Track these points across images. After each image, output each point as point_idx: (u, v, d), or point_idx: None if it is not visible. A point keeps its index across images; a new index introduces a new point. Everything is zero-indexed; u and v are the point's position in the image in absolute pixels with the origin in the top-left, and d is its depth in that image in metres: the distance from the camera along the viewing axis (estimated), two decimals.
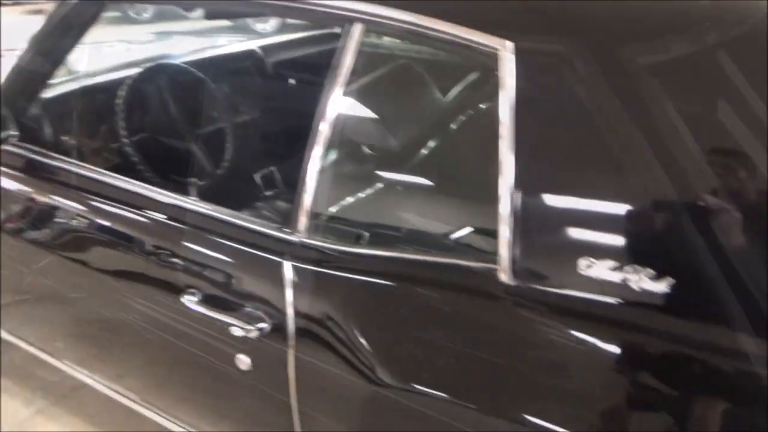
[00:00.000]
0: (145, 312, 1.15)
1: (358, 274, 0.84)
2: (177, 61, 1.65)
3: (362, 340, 0.82)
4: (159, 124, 1.57)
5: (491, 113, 0.74)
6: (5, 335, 1.59)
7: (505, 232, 0.72)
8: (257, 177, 1.43)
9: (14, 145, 1.26)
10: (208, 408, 1.22)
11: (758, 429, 0.61)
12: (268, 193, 1.38)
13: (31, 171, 1.25)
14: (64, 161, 1.23)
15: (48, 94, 1.44)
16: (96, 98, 1.58)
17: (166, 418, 1.34)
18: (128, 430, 1.67)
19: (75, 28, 1.21)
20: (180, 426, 1.34)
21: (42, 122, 1.36)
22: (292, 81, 1.71)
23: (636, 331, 0.66)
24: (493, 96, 0.74)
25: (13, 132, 1.26)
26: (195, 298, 0.95)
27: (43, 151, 1.26)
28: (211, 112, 1.65)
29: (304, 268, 0.87)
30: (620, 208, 0.69)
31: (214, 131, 1.64)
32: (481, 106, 0.88)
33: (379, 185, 1.03)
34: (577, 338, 0.69)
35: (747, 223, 0.63)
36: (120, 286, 1.16)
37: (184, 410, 1.29)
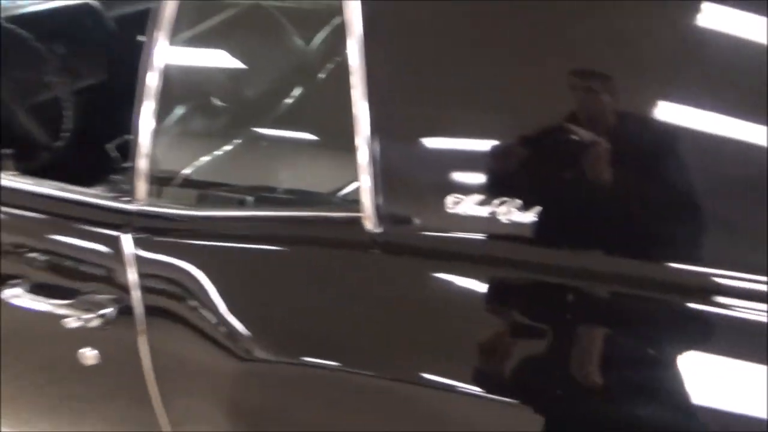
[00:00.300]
0: None
1: (210, 240, 0.74)
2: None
3: (225, 313, 0.72)
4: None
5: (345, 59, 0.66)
6: None
7: (365, 180, 0.65)
8: (103, 145, 1.26)
9: None
10: (67, 413, 1.07)
11: (636, 351, 0.60)
12: (116, 163, 1.22)
13: None
14: None
15: None
16: None
17: None
18: None
19: None
20: None
21: None
22: (133, 36, 1.52)
23: (508, 265, 0.63)
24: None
25: None
26: (19, 291, 0.80)
27: None
28: (40, 76, 1.43)
29: (147, 238, 0.76)
30: (482, 143, 0.64)
31: (46, 97, 1.42)
32: (337, 52, 0.79)
33: (232, 141, 0.92)
34: (449, 279, 0.65)
35: (608, 147, 0.60)
36: None
37: (44, 421, 1.14)
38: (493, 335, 0.65)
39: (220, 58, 0.92)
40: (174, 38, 0.76)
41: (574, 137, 0.59)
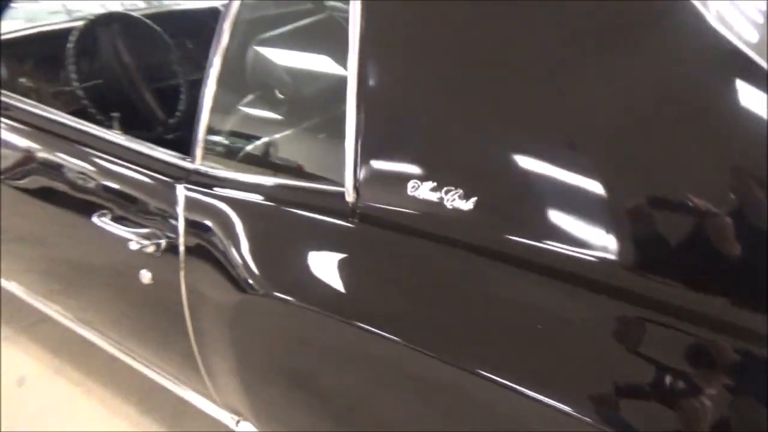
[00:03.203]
0: (82, 242, 1.25)
1: (235, 196, 0.95)
2: (130, 12, 1.73)
3: (238, 255, 0.92)
4: (111, 71, 1.66)
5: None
6: None
7: (350, 161, 0.82)
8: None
9: None
10: (120, 329, 1.34)
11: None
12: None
13: None
14: (16, 99, 1.33)
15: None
16: (51, 44, 1.68)
17: (119, 349, 1.46)
18: (84, 360, 1.82)
19: None
20: (122, 351, 1.46)
21: None
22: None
23: (447, 243, 0.76)
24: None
25: None
26: (106, 219, 1.06)
27: None
28: (167, 64, 1.73)
29: (195, 189, 0.98)
30: (437, 139, 0.77)
31: (169, 82, 1.72)
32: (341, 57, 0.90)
33: (262, 123, 1.14)
34: (406, 248, 0.80)
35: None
36: (62, 217, 1.26)
37: (108, 332, 1.41)
38: (434, 293, 0.77)
39: (262, 61, 1.12)
40: (232, 39, 0.97)
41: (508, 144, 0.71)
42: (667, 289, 0.63)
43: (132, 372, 1.52)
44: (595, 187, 0.66)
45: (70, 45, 1.55)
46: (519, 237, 0.71)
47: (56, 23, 1.81)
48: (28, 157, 1.28)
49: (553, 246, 0.69)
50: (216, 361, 1.04)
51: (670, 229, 0.63)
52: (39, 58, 1.70)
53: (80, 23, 1.62)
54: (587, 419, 0.63)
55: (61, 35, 1.66)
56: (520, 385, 0.67)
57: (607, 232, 0.66)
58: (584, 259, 0.67)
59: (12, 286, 1.69)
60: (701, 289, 0.63)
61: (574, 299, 0.68)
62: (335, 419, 0.94)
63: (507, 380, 0.68)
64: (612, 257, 0.65)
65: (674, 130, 0.64)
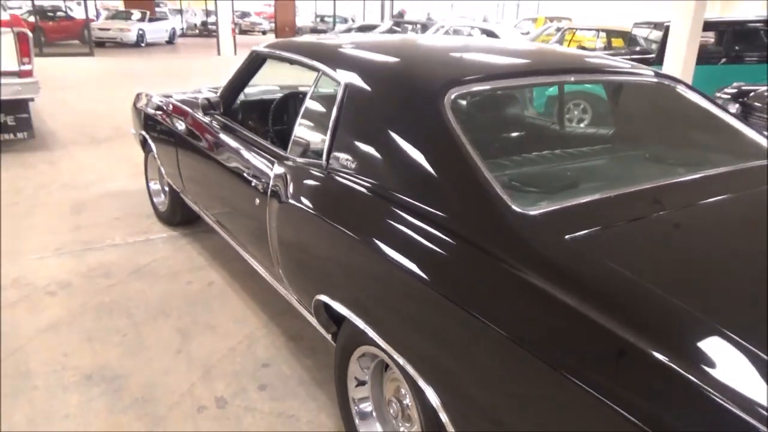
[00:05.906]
0: (241, 186, 2.55)
1: (293, 165, 2.13)
2: (300, 91, 3.14)
3: (283, 186, 2.09)
4: (290, 122, 3.05)
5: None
6: (220, 230, 3.19)
7: (325, 152, 1.96)
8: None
9: (220, 114, 2.85)
10: (250, 231, 2.57)
11: None
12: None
13: (222, 127, 2.80)
14: (237, 125, 2.75)
15: (240, 98, 3.04)
16: (264, 106, 3.14)
17: (256, 261, 2.69)
18: (244, 279, 3.16)
19: (249, 70, 2.77)
20: (257, 263, 2.70)
21: (232, 109, 2.94)
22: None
23: (352, 179, 1.82)
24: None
25: (220, 110, 2.85)
26: (249, 174, 2.33)
27: (230, 120, 2.82)
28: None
29: (281, 163, 2.19)
30: (351, 145, 1.87)
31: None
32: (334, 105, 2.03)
33: (308, 140, 2.28)
34: (343, 183, 1.87)
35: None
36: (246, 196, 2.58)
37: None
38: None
39: (316, 105, 2.35)
40: (306, 103, 2.21)
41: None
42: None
43: (263, 284, 2.76)
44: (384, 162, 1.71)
45: (272, 107, 2.98)
46: (367, 177, 1.77)
47: (267, 95, 3.31)
48: (235, 153, 2.63)
49: (369, 180, 1.73)
50: (275, 245, 2.20)
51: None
52: (259, 112, 3.17)
53: (279, 95, 3.06)
54: None
55: (269, 102, 3.12)
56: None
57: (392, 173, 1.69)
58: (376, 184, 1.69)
59: (219, 231, 3.10)
60: None
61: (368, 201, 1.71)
62: (321, 278, 2.00)
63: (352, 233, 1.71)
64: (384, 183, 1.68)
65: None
